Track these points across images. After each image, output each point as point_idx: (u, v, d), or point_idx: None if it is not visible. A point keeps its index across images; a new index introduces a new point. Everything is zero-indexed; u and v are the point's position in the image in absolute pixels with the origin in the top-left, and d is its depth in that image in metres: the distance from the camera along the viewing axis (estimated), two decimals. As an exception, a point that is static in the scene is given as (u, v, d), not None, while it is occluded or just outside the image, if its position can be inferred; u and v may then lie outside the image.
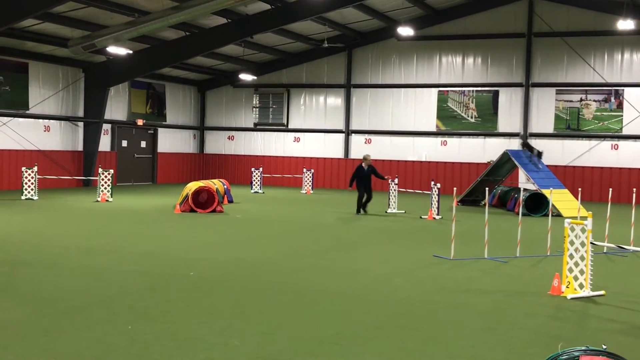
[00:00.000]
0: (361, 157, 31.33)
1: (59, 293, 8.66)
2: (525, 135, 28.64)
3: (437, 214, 19.04)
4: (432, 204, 19.21)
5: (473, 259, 12.02)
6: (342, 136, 31.95)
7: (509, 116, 29.15)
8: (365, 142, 31.54)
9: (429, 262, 11.66)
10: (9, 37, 23.33)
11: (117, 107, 29.82)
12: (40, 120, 26.49)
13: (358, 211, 19.56)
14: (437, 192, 19.17)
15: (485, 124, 29.46)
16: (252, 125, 33.67)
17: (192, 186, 19.61)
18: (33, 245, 12.52)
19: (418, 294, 9.16)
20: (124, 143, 30.60)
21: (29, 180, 21.49)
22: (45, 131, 26.69)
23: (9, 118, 25.05)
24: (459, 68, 29.95)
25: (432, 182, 19.66)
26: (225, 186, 22.39)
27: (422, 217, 19.15)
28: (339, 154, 32.03)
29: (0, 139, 24.87)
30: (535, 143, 28.48)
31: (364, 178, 19.60)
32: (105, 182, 21.75)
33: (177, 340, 6.74)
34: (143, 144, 31.69)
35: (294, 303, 8.44)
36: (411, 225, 17.39)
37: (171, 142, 33.02)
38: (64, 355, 6.20)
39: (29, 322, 7.26)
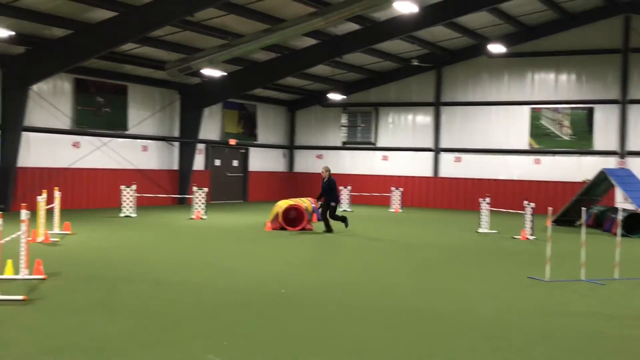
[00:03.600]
0: (451, 176, 31.14)
1: (158, 308, 8.93)
2: (622, 154, 27.67)
3: (531, 234, 18.59)
4: (525, 223, 18.79)
5: (569, 281, 11.67)
6: (431, 154, 31.71)
7: (605, 134, 28.23)
8: (455, 161, 31.18)
9: (523, 284, 11.40)
10: (109, 61, 24.35)
11: (210, 127, 30.61)
12: (138, 140, 27.48)
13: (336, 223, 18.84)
14: (530, 212, 18.73)
15: (580, 141, 28.62)
16: (340, 144, 33.87)
17: (282, 204, 19.86)
18: (132, 260, 12.97)
19: (513, 316, 8.97)
20: (217, 162, 31.35)
21: (128, 199, 22.30)
22: (143, 151, 27.66)
23: (109, 138, 26.10)
24: (552, 85, 29.28)
25: (525, 202, 19.22)
26: (312, 205, 22.54)
27: (515, 237, 18.74)
28: (428, 172, 31.77)
29: (101, 159, 25.92)
30: (633, 161, 27.46)
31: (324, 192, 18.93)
32: (200, 200, 22.33)
33: (272, 358, 6.83)
34: (235, 162, 32.38)
35: (386, 323, 8.41)
36: (504, 246, 17.04)
37: (262, 161, 33.59)
38: (163, 369, 6.39)
39: (131, 335, 7.52)
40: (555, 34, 28.75)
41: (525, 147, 29.71)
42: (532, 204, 18.94)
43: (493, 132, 30.41)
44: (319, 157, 34.42)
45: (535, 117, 29.50)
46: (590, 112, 28.48)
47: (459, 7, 23.88)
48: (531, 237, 18.44)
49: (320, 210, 19.25)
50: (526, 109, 29.72)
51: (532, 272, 12.40)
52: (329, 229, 18.73)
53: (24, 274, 10.59)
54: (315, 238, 17.66)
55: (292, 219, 19.78)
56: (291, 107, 34.99)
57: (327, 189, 18.77)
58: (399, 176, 32.10)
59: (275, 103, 34.05)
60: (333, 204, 18.68)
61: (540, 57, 29.28)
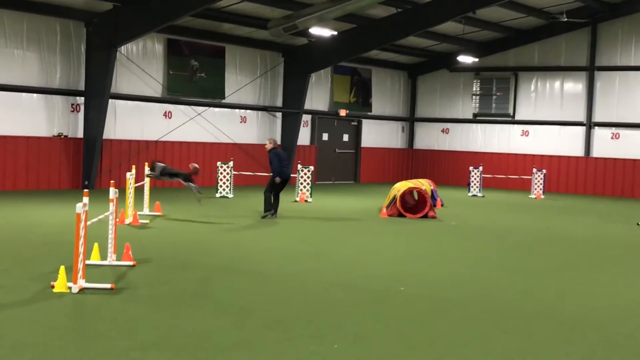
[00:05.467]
0: (606, 156, 30.21)
1: (259, 303, 9.18)
2: None
3: None
4: (698, 216, 18.04)
5: None
6: (582, 129, 30.85)
7: None
8: (612, 137, 30.21)
9: (695, 289, 10.98)
10: (205, 19, 24.96)
11: (318, 96, 30.92)
12: (237, 111, 28.11)
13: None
14: None
15: None
16: (470, 116, 33.46)
17: (401, 187, 19.86)
18: (229, 248, 13.35)
19: (680, 328, 8.67)
20: (325, 136, 31.68)
21: (224, 177, 22.90)
22: (241, 122, 28.29)
23: (204, 108, 26.79)
24: None
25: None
26: (431, 187, 22.28)
27: (685, 232, 18.04)
28: (577, 151, 30.95)
29: (195, 131, 26.65)
30: None
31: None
32: (305, 180, 22.65)
33: (389, 364, 6.93)
34: (345, 137, 32.61)
35: (522, 329, 8.32)
36: (670, 242, 16.44)
37: (376, 135, 33.66)
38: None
39: (229, 333, 7.78)
40: None
41: (701, 121, 28.46)
42: None
43: (660, 103, 29.31)
44: (445, 131, 34.13)
45: None
46: None
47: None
48: None
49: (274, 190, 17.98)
50: (703, 75, 28.44)
51: None
52: (270, 209, 17.73)
53: (111, 259, 11.09)
54: (437, 227, 17.59)
55: (413, 206, 19.75)
56: (412, 72, 34.82)
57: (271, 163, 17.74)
58: (542, 155, 31.43)
59: (394, 67, 33.97)
60: (277, 179, 17.71)
61: None
